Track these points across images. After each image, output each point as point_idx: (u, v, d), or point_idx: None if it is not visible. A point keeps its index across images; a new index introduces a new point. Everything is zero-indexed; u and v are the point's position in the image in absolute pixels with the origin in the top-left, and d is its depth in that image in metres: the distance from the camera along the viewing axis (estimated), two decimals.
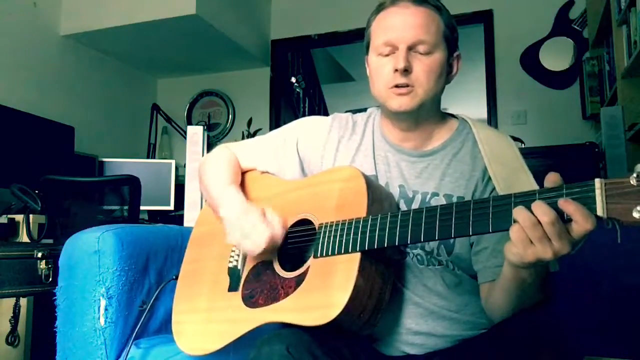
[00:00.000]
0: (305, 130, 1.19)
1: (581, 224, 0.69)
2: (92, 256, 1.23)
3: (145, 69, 4.24)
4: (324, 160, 1.14)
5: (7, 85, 3.03)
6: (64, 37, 3.47)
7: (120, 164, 3.32)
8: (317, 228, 0.98)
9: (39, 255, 1.60)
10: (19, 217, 2.30)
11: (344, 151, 1.14)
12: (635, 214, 0.65)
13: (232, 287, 1.06)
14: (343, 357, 0.91)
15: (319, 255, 0.94)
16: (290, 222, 1.05)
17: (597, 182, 0.69)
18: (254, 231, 0.99)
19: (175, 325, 1.13)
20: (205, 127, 3.04)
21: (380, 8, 1.07)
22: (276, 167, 1.19)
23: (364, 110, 1.20)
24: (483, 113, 3.72)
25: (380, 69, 1.04)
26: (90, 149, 3.40)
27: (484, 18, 3.64)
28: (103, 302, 1.21)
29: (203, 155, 2.16)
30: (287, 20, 4.16)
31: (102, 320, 1.21)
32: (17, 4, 3.16)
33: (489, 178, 1.02)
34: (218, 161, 1.21)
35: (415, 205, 1.04)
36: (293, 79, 4.43)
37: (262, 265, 1.04)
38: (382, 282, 0.92)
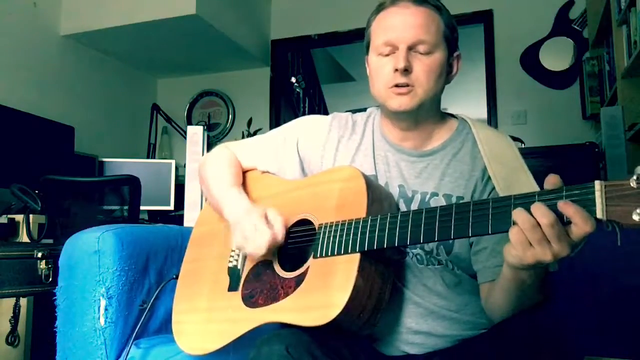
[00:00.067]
0: (305, 129, 1.19)
1: (581, 226, 0.68)
2: (92, 256, 1.23)
3: (145, 69, 4.24)
4: (324, 160, 1.14)
5: (7, 85, 3.03)
6: (64, 37, 3.47)
7: (120, 164, 3.32)
8: (317, 228, 0.98)
9: (39, 255, 1.60)
10: (19, 217, 2.30)
11: (344, 151, 1.14)
12: (635, 217, 0.65)
13: (232, 287, 1.06)
14: (343, 357, 0.91)
15: (318, 255, 0.94)
16: (290, 222, 1.05)
17: (597, 184, 0.68)
18: (254, 234, 0.99)
19: (175, 325, 1.13)
20: (205, 127, 3.04)
21: (380, 8, 1.07)
22: (276, 167, 1.19)
23: (364, 110, 1.20)
24: (483, 113, 3.72)
25: (380, 69, 1.04)
26: (90, 149, 3.40)
27: (484, 18, 3.64)
28: (103, 302, 1.21)
29: (203, 155, 2.16)
30: (287, 20, 4.16)
31: (102, 320, 1.21)
32: (17, 4, 3.16)
33: (489, 178, 1.02)
34: (219, 161, 1.21)
35: (414, 205, 1.04)
36: (293, 79, 4.43)
37: (262, 265, 1.04)
38: (381, 282, 0.92)
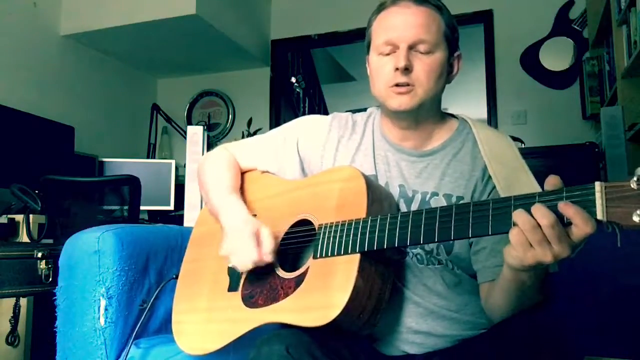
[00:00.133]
0: (305, 129, 1.19)
1: (581, 227, 0.68)
2: (92, 256, 1.23)
3: (145, 69, 4.23)
4: (324, 160, 1.14)
5: (7, 85, 3.03)
6: (64, 37, 3.47)
7: (120, 164, 3.32)
8: (316, 228, 0.98)
9: (39, 255, 1.60)
10: (19, 217, 2.30)
11: (344, 151, 1.14)
12: (635, 218, 0.65)
13: (232, 287, 1.06)
14: (343, 358, 0.91)
15: (318, 255, 0.94)
16: (290, 222, 1.05)
17: (597, 185, 0.68)
18: (241, 251, 0.99)
19: (175, 325, 1.13)
20: (205, 127, 3.04)
21: (381, 8, 1.07)
22: (276, 167, 1.19)
23: (364, 110, 1.20)
24: (483, 113, 3.72)
25: (380, 68, 1.04)
26: (90, 149, 3.40)
27: (484, 18, 3.65)
28: (103, 302, 1.21)
29: (203, 155, 2.16)
30: (287, 20, 4.16)
31: (102, 320, 1.21)
32: (17, 4, 3.16)
33: (489, 178, 1.02)
34: (217, 165, 1.21)
35: (415, 205, 1.04)
36: (293, 79, 4.44)
37: (262, 265, 1.04)
38: (381, 282, 0.92)
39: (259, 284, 1.02)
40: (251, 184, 1.21)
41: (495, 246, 0.97)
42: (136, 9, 3.33)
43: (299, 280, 0.95)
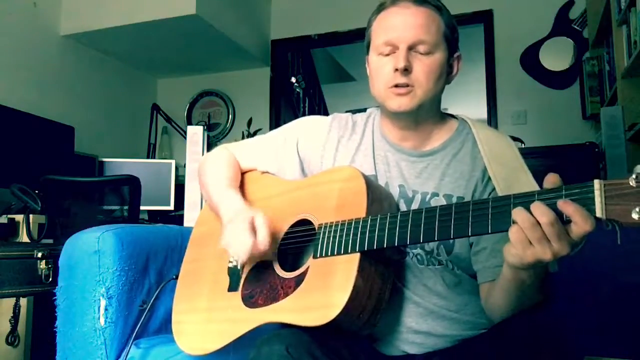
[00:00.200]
0: (305, 130, 1.20)
1: (580, 225, 0.69)
2: (92, 256, 1.23)
3: (145, 69, 4.24)
4: (324, 160, 1.14)
5: (7, 85, 3.03)
6: (64, 37, 3.47)
7: (120, 164, 3.32)
8: (316, 228, 0.98)
9: (39, 255, 1.60)
10: (19, 217, 2.30)
11: (344, 151, 1.14)
12: (635, 215, 0.65)
13: (232, 287, 1.06)
14: (343, 358, 0.91)
15: (318, 255, 0.94)
16: (290, 222, 1.05)
17: (596, 183, 0.69)
18: (235, 241, 0.99)
19: (175, 325, 1.13)
20: (205, 127, 3.04)
21: (380, 8, 1.07)
22: (276, 167, 1.19)
23: (364, 110, 1.21)
24: (483, 113, 3.72)
25: (380, 69, 1.04)
26: (90, 149, 3.40)
27: (484, 18, 3.65)
28: (103, 302, 1.21)
29: (203, 155, 2.16)
30: (287, 20, 4.16)
31: (102, 320, 1.21)
32: (17, 4, 3.16)
33: (489, 178, 1.02)
34: (217, 163, 1.21)
35: (415, 205, 1.04)
36: (293, 79, 4.44)
37: (262, 265, 1.04)
38: (381, 282, 0.92)
39: (259, 284, 1.02)
40: (251, 184, 1.21)
41: (496, 246, 0.97)
42: (136, 9, 3.33)
43: (299, 280, 0.95)
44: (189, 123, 4.30)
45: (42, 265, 1.60)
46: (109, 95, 3.86)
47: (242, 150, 1.25)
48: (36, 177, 2.18)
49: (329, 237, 0.94)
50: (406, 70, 1.00)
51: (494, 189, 1.01)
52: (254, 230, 0.99)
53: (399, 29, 1.01)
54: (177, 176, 3.39)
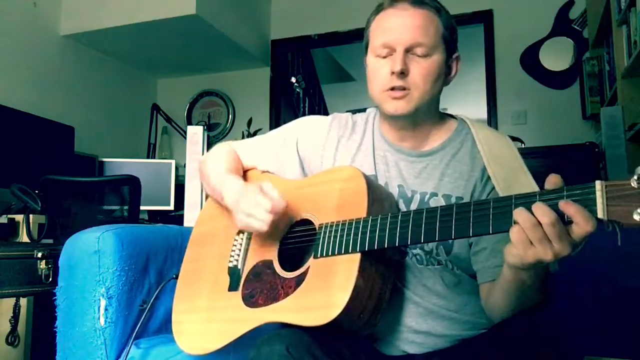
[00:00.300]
0: (305, 129, 1.20)
1: (582, 225, 0.69)
2: (92, 256, 1.23)
3: (145, 69, 4.23)
4: (324, 160, 1.14)
5: (7, 85, 3.03)
6: (64, 37, 3.47)
7: (120, 164, 3.32)
8: (317, 228, 0.98)
9: (39, 255, 1.60)
10: (19, 217, 2.30)
11: (344, 151, 1.14)
12: (636, 216, 0.65)
13: (232, 287, 1.06)
14: (343, 357, 0.91)
15: (319, 255, 0.94)
16: (291, 222, 1.05)
17: (598, 184, 0.69)
18: (256, 208, 0.99)
19: (175, 324, 1.13)
20: (205, 127, 3.04)
21: (379, 9, 1.07)
22: (276, 167, 1.19)
23: (364, 110, 1.21)
24: (483, 113, 3.72)
25: (377, 71, 1.04)
26: (90, 149, 3.40)
27: (484, 18, 3.65)
28: (103, 302, 1.21)
29: (203, 155, 2.16)
30: (287, 20, 4.16)
31: (102, 320, 1.21)
32: (17, 4, 3.16)
33: (488, 178, 1.02)
34: (219, 156, 1.22)
35: (414, 205, 1.04)
36: (293, 79, 4.44)
37: (262, 265, 1.04)
38: (382, 282, 0.92)
39: (259, 283, 1.02)
40: (252, 183, 1.21)
41: (496, 246, 0.97)
42: (136, 9, 3.33)
43: (300, 280, 0.95)
44: (189, 123, 4.30)
45: (42, 265, 1.60)
46: (109, 95, 3.86)
47: (243, 149, 1.25)
48: (36, 177, 2.18)
49: (329, 237, 0.94)
50: (402, 74, 1.00)
51: (493, 188, 1.01)
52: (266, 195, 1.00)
53: (396, 31, 1.01)
54: (177, 176, 3.39)
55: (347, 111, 1.23)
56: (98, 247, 1.23)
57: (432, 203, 1.03)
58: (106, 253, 1.23)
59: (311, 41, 4.14)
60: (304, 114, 4.53)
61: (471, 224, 0.78)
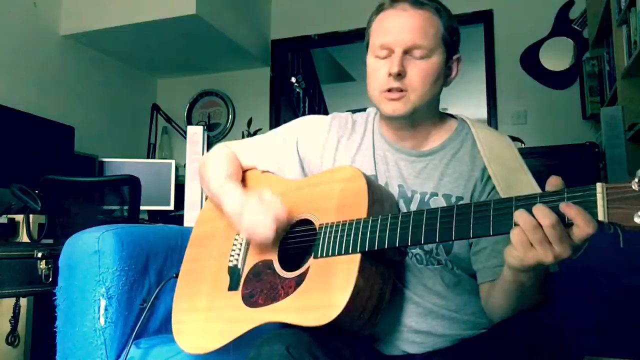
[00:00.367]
0: (305, 129, 1.20)
1: (582, 228, 0.69)
2: (92, 256, 1.23)
3: (145, 69, 4.24)
4: (324, 160, 1.14)
5: (7, 85, 3.03)
6: (64, 37, 3.47)
7: (120, 164, 3.32)
8: (317, 228, 0.98)
9: (39, 255, 1.60)
10: (19, 217, 2.30)
11: (344, 151, 1.14)
12: (637, 219, 0.65)
13: (232, 287, 1.06)
14: (343, 357, 0.91)
15: (319, 255, 0.94)
16: (291, 222, 1.05)
17: (599, 186, 0.69)
18: (258, 220, 0.99)
19: (175, 324, 1.13)
20: (205, 127, 3.04)
21: (380, 9, 1.07)
22: (276, 166, 1.19)
23: (364, 110, 1.21)
24: (483, 113, 3.72)
25: (375, 72, 1.04)
26: (90, 149, 3.40)
27: (484, 18, 3.65)
28: (103, 302, 1.21)
29: (203, 155, 2.16)
30: (287, 20, 4.16)
31: (102, 320, 1.21)
32: (17, 4, 3.16)
33: (488, 178, 1.02)
34: (218, 159, 1.22)
35: (414, 205, 1.04)
36: (293, 79, 4.44)
37: (262, 264, 1.04)
38: (382, 282, 0.92)
39: (259, 283, 1.02)
40: (252, 183, 1.21)
41: (496, 246, 0.97)
42: (136, 9, 3.33)
43: (300, 280, 0.95)
44: (189, 123, 4.31)
45: (42, 265, 1.60)
46: (109, 95, 3.86)
47: (242, 149, 1.25)
48: (36, 177, 2.18)
49: (329, 237, 0.94)
50: (399, 75, 0.99)
51: (493, 188, 1.01)
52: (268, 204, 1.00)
53: (394, 33, 1.01)
54: (177, 176, 3.39)
55: (347, 111, 1.23)
56: (98, 247, 1.23)
57: (432, 203, 1.03)
58: (106, 253, 1.23)
59: (311, 41, 4.14)
60: (304, 114, 4.51)
61: (471, 225, 0.78)
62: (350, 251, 0.90)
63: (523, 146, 2.97)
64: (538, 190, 0.91)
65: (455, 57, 1.07)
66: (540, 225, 0.71)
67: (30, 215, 2.12)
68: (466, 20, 3.56)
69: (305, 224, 1.03)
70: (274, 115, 4.17)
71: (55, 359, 1.25)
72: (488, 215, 0.77)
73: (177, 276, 1.22)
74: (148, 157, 3.92)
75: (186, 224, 2.10)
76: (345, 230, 0.92)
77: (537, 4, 3.52)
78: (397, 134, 1.09)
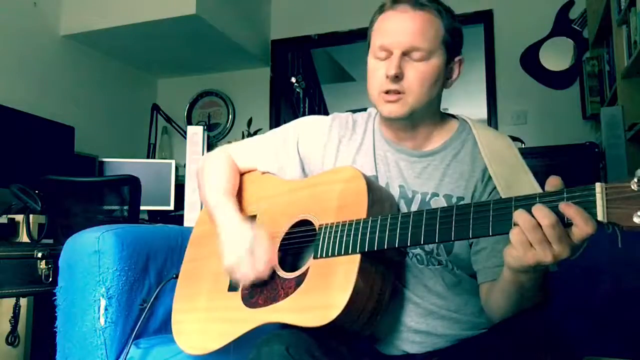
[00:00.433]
0: (305, 130, 1.19)
1: (581, 227, 0.69)
2: (92, 256, 1.23)
3: (145, 69, 4.23)
4: (325, 160, 1.14)
5: (7, 85, 3.03)
6: (64, 37, 3.47)
7: (120, 164, 3.32)
8: (317, 229, 0.98)
9: (39, 255, 1.60)
10: (19, 217, 2.30)
11: (345, 151, 1.14)
12: (636, 219, 0.65)
13: (232, 287, 1.06)
14: (343, 358, 0.91)
15: (319, 256, 0.94)
16: (291, 222, 1.05)
17: (598, 186, 0.69)
18: (239, 268, 1.00)
19: (175, 324, 1.13)
20: (205, 127, 3.03)
21: (381, 9, 1.06)
22: (276, 167, 1.19)
23: (364, 110, 1.20)
24: (483, 113, 3.72)
25: (375, 73, 1.04)
26: (90, 149, 3.40)
27: (484, 18, 3.65)
28: (103, 302, 1.21)
29: (203, 155, 2.16)
30: (287, 20, 4.16)
31: (102, 320, 1.21)
32: (17, 4, 3.16)
33: (489, 178, 1.02)
34: (215, 168, 1.21)
35: (415, 206, 1.04)
36: (293, 79, 4.43)
37: None
38: (382, 283, 0.92)
39: (259, 284, 1.02)
40: (251, 184, 1.21)
41: (496, 246, 0.97)
42: (136, 9, 3.33)
43: (299, 281, 0.95)
44: (189, 123, 4.30)
45: (42, 265, 1.60)
46: (109, 95, 3.86)
47: (242, 151, 1.25)
48: (36, 177, 2.18)
49: (329, 238, 0.94)
50: (397, 78, 0.99)
51: (494, 188, 1.01)
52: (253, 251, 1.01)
53: (394, 35, 1.01)
54: (177, 176, 3.39)
55: (347, 111, 1.23)
56: (98, 247, 1.23)
57: (433, 203, 1.03)
58: (106, 253, 1.23)
59: (311, 41, 4.14)
60: (304, 114, 4.53)
61: (471, 226, 0.78)
62: (350, 251, 0.90)
63: (523, 146, 2.97)
64: (539, 190, 0.91)
65: (457, 58, 1.07)
66: (540, 225, 0.71)
67: (30, 215, 2.12)
68: (466, 20, 3.55)
69: (305, 225, 1.03)
70: (274, 115, 4.17)
71: (55, 359, 1.25)
72: (487, 215, 0.77)
73: (177, 277, 1.22)
74: (148, 157, 3.92)
75: (186, 224, 2.10)
76: (345, 231, 0.92)
77: (537, 4, 3.52)
78: (397, 134, 1.09)
